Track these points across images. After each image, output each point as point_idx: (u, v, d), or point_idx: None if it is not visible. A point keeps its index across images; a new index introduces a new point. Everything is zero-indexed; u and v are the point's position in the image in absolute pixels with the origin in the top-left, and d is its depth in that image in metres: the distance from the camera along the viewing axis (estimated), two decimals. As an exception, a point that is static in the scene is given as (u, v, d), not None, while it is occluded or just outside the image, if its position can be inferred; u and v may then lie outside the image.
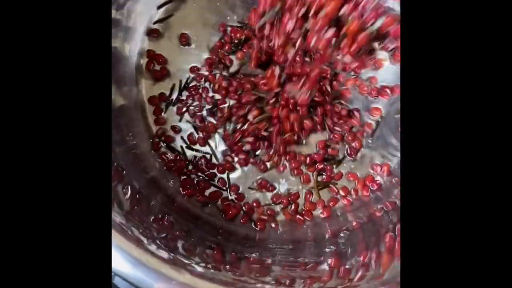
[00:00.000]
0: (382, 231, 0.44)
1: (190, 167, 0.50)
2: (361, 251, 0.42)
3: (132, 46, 0.51)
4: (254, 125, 0.50)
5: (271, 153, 0.50)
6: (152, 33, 0.52)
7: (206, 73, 0.52)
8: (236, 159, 0.50)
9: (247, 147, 0.50)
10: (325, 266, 0.41)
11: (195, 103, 0.52)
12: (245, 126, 0.50)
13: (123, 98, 0.49)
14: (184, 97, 0.52)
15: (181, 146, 0.51)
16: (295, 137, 0.50)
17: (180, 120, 0.52)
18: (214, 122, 0.51)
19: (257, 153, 0.51)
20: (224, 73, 0.52)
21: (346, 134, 0.51)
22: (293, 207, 0.50)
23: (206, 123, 0.51)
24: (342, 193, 0.50)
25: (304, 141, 0.51)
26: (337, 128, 0.51)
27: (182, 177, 0.50)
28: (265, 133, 0.50)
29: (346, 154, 0.51)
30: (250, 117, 0.50)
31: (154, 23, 0.52)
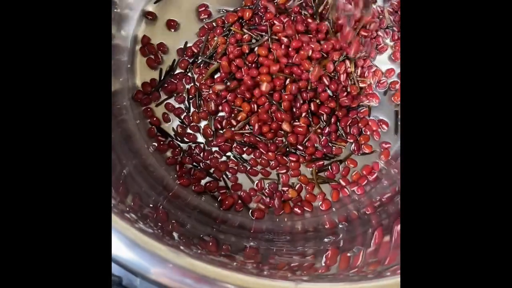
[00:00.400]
0: (377, 224, 0.44)
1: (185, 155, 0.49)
2: (359, 243, 0.42)
3: (126, 32, 0.50)
4: (237, 132, 0.48)
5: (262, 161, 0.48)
6: (148, 15, 0.51)
7: (190, 60, 0.50)
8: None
9: (234, 153, 0.48)
10: (323, 257, 0.41)
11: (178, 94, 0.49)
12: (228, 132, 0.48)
13: (117, 85, 0.48)
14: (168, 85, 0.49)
15: (171, 137, 0.49)
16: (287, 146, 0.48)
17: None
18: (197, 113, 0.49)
19: (247, 158, 0.49)
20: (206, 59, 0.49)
21: (360, 138, 0.49)
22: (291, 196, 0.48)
23: (189, 115, 0.49)
24: (342, 182, 0.49)
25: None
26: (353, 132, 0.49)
27: (178, 167, 0.48)
28: (252, 139, 0.48)
29: (351, 151, 0.49)
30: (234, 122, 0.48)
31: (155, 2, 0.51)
